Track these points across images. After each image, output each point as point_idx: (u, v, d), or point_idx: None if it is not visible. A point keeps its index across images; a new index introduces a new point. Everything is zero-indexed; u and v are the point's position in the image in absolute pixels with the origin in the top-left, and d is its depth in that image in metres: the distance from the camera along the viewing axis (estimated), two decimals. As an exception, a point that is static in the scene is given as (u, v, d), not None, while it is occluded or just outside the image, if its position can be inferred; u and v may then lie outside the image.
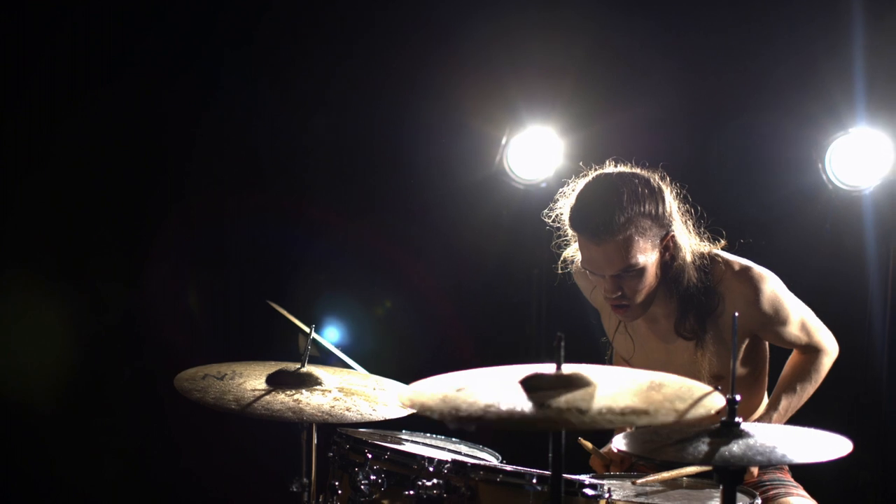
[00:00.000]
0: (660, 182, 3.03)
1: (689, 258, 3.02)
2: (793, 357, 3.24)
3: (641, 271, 2.96)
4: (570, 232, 3.11)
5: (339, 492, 2.91)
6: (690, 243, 3.06)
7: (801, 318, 3.14)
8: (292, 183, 5.13)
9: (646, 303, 3.03)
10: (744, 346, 3.11)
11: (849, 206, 4.47)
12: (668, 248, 3.01)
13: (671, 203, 3.02)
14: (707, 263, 3.06)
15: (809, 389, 3.17)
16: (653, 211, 2.95)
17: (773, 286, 3.07)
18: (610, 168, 3.09)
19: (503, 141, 4.88)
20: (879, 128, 4.35)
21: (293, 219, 5.12)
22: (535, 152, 4.86)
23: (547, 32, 4.78)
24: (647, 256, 2.95)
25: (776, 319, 3.08)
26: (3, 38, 4.79)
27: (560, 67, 4.76)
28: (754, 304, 3.03)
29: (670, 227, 3.00)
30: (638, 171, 3.06)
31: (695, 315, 3.06)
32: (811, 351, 3.19)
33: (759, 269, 3.08)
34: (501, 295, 5.19)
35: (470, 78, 4.82)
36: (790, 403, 3.14)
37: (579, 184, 3.06)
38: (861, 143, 4.38)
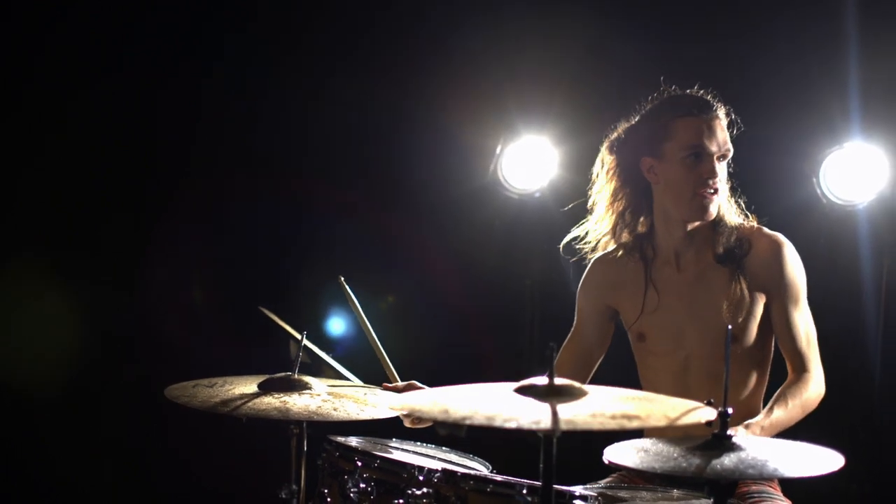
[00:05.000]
0: None
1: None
2: (787, 380, 3.25)
3: (727, 162, 3.24)
4: (663, 128, 3.23)
5: (329, 500, 2.89)
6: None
7: (808, 322, 3.23)
8: (284, 191, 5.11)
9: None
10: (762, 303, 3.21)
11: (843, 221, 4.47)
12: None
13: None
14: (740, 223, 3.29)
15: (797, 410, 3.14)
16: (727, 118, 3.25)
17: (796, 256, 3.24)
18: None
19: (497, 150, 4.87)
20: (874, 142, 4.36)
21: (287, 227, 5.12)
22: (530, 162, 4.86)
23: (541, 41, 4.78)
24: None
25: (791, 289, 3.20)
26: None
27: (555, 76, 4.76)
28: (777, 258, 3.20)
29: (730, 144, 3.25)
30: None
31: (732, 241, 3.23)
32: (802, 371, 3.21)
33: (790, 242, 3.26)
34: (494, 305, 5.17)
35: (464, 87, 4.81)
36: (779, 416, 3.11)
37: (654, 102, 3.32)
38: (856, 158, 4.38)
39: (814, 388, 3.19)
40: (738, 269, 3.20)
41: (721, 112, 3.22)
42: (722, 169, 3.21)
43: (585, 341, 3.44)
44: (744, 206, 3.32)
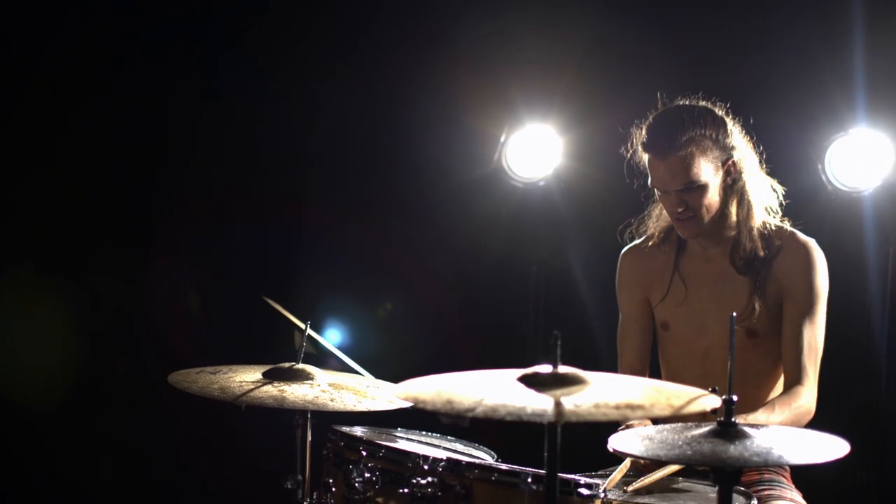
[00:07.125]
0: (724, 116, 3.24)
1: (749, 188, 3.22)
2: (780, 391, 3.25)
3: (703, 188, 3.14)
4: (643, 158, 3.25)
5: (333, 489, 2.89)
6: (759, 181, 3.26)
7: (816, 336, 3.19)
8: (291, 182, 5.12)
9: (709, 221, 3.19)
10: (782, 303, 3.20)
11: (848, 208, 4.45)
12: (730, 173, 3.20)
13: (737, 136, 3.23)
14: (772, 226, 3.25)
15: (788, 411, 3.09)
16: (713, 134, 3.16)
17: (824, 266, 3.23)
18: (679, 101, 3.30)
19: (502, 139, 4.86)
20: (879, 129, 4.34)
21: (292, 218, 5.11)
22: (534, 150, 4.84)
23: (545, 29, 4.76)
24: (709, 175, 3.14)
25: (809, 298, 3.18)
26: (4, 35, 4.77)
27: (558, 65, 4.75)
28: (803, 265, 3.20)
29: (732, 153, 3.19)
30: (705, 104, 3.27)
31: (748, 250, 3.21)
32: (795, 384, 3.16)
33: (821, 251, 3.24)
34: (499, 293, 5.17)
35: (468, 76, 4.80)
36: (758, 419, 3.06)
37: (651, 116, 3.27)
38: (861, 144, 4.36)
39: (804, 402, 3.13)
40: (764, 270, 3.19)
41: (684, 151, 3.10)
42: (696, 195, 3.13)
43: (636, 334, 3.45)
44: (773, 208, 3.29)
